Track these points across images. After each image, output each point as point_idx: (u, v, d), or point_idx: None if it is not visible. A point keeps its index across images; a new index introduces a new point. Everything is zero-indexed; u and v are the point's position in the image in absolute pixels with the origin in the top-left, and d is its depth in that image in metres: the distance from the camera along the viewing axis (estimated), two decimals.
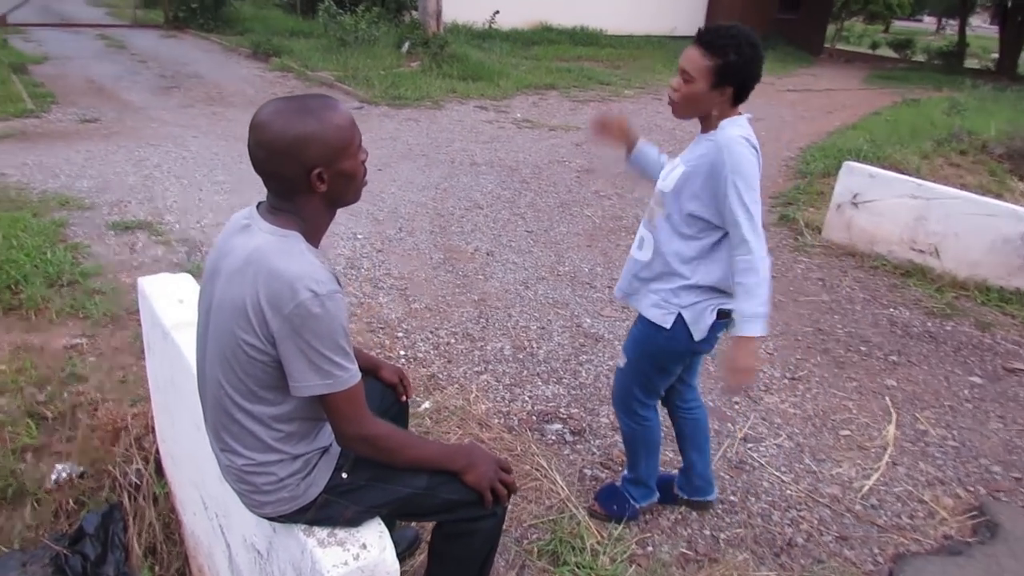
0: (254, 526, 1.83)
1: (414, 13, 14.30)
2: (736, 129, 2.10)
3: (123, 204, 5.27)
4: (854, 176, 5.65)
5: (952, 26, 40.75)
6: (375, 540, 1.65)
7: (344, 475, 1.68)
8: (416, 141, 7.98)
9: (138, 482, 2.62)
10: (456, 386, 3.41)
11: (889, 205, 5.46)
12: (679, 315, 2.22)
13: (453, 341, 3.82)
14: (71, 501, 2.55)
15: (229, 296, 1.51)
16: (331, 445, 1.70)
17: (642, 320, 2.33)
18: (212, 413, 1.64)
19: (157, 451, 2.71)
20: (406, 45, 12.83)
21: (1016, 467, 3.23)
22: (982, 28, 40.94)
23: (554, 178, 7.03)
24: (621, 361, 2.46)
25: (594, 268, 4.95)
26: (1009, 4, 20.63)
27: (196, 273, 3.24)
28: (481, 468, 1.78)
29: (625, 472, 2.69)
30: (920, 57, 26.94)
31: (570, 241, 5.40)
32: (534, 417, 3.24)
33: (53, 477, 2.64)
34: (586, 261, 5.05)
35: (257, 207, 1.60)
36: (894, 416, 3.53)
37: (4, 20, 13.65)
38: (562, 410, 3.31)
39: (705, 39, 2.06)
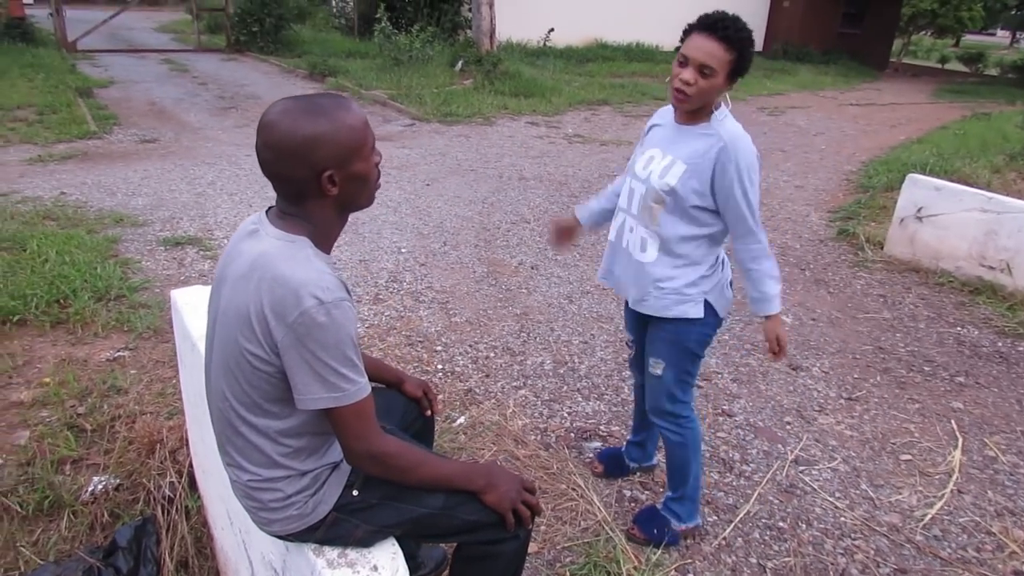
0: (270, 544, 1.76)
1: (468, 32, 14.43)
2: (733, 123, 2.10)
3: (175, 220, 5.37)
4: (919, 189, 5.39)
5: None
6: (387, 562, 1.56)
7: (355, 492, 1.60)
8: (465, 156, 7.98)
9: (172, 495, 2.60)
10: (493, 401, 3.32)
11: (956, 219, 5.18)
12: (706, 301, 2.23)
13: (492, 355, 3.74)
14: (106, 513, 2.54)
15: (234, 304, 1.45)
16: (341, 461, 1.62)
17: (668, 321, 2.27)
18: (218, 426, 1.58)
19: (191, 464, 2.69)
20: (459, 63, 12.92)
21: None
22: None
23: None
24: (657, 369, 2.34)
25: None
26: None
27: None
28: (502, 488, 1.67)
29: (669, 493, 2.55)
30: (992, 71, 25.96)
31: None
32: (572, 434, 3.13)
33: (89, 489, 2.64)
34: None
35: (267, 212, 1.54)
36: (960, 441, 3.30)
37: (74, 46, 14.28)
38: (602, 427, 3.19)
39: (722, 32, 1.98)
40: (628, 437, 2.90)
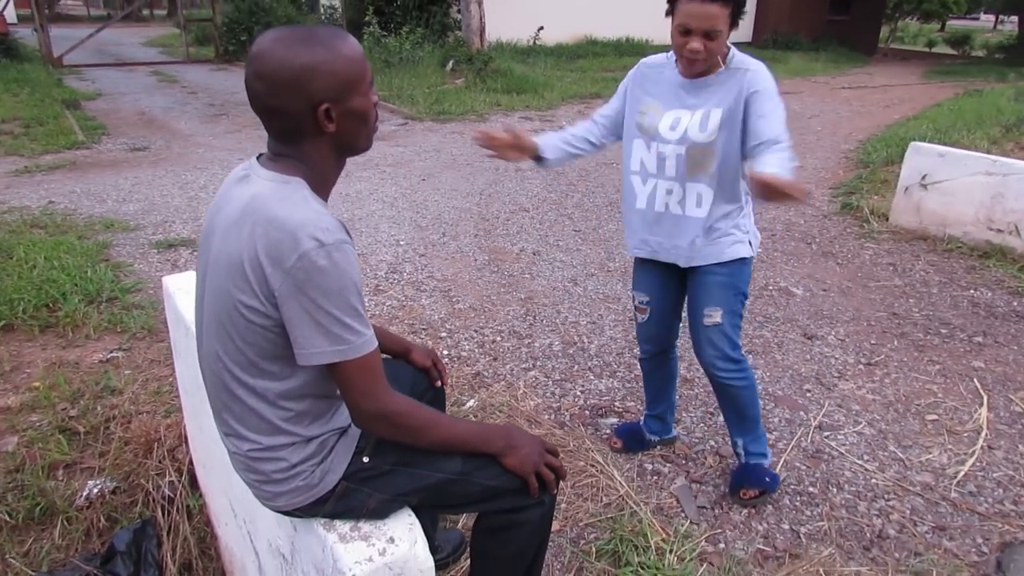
0: (276, 527, 1.64)
1: (458, 32, 14.37)
2: (744, 55, 2.11)
3: (168, 224, 5.27)
4: (922, 156, 5.30)
5: (1010, 22, 39.32)
6: (404, 533, 1.44)
7: (365, 459, 1.49)
8: (460, 152, 7.88)
9: (172, 495, 2.48)
10: (503, 383, 3.22)
11: (962, 184, 5.09)
12: (748, 240, 2.27)
13: (499, 339, 3.64)
14: (103, 518, 2.41)
15: (225, 253, 1.33)
16: (349, 426, 1.50)
17: (722, 265, 2.25)
18: (212, 392, 1.46)
19: (191, 462, 2.58)
20: (450, 63, 12.85)
21: None
22: None
23: (601, 179, 6.83)
24: (716, 316, 2.28)
25: None
26: None
27: None
28: (524, 450, 1.55)
29: (744, 439, 2.48)
30: (979, 53, 25.96)
31: (620, 238, 5.17)
32: (587, 412, 3.02)
33: (84, 493, 2.52)
34: None
35: (257, 157, 1.42)
36: (985, 398, 3.20)
37: (60, 61, 14.17)
38: (617, 404, 3.09)
39: None
40: (645, 411, 2.79)
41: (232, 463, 1.52)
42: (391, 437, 1.44)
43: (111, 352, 3.38)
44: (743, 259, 2.26)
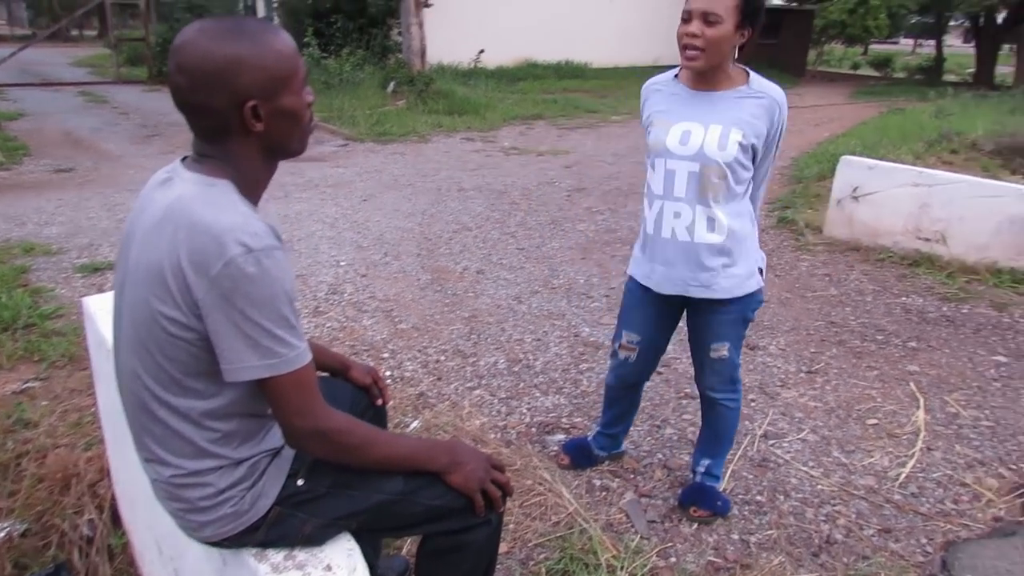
0: (204, 561, 1.53)
1: (399, 55, 14.32)
2: (772, 83, 2.04)
3: (94, 247, 5.05)
4: (853, 169, 5.46)
5: (927, 46, 41.37)
6: (343, 560, 1.37)
7: (300, 482, 1.40)
8: (402, 172, 7.81)
9: (91, 534, 2.31)
10: (447, 403, 3.15)
11: (890, 195, 5.25)
12: (759, 269, 2.20)
13: (443, 358, 3.57)
14: (10, 565, 2.22)
15: (144, 260, 1.24)
16: (283, 447, 1.41)
17: (735, 300, 2.15)
18: (131, 414, 1.35)
19: (113, 497, 2.42)
20: (391, 85, 12.78)
21: None
22: (955, 47, 41.45)
23: (544, 198, 6.84)
24: (723, 351, 2.22)
25: (590, 279, 4.71)
26: (981, 22, 20.91)
27: None
28: (469, 466, 1.48)
29: (710, 460, 2.46)
30: (901, 74, 27.12)
31: (563, 255, 5.17)
32: (534, 429, 2.97)
33: None
34: (581, 273, 4.82)
35: (182, 160, 1.34)
36: (922, 401, 3.27)
37: None
38: (564, 420, 3.05)
39: None
40: (598, 428, 2.72)
41: (154, 492, 1.42)
42: (328, 457, 1.36)
43: (26, 382, 3.19)
44: (753, 293, 2.17)
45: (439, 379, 3.35)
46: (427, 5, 14.29)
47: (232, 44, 1.21)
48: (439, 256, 5.10)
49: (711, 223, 2.05)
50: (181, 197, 1.24)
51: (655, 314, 2.29)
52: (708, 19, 1.86)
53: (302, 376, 1.26)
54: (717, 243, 2.06)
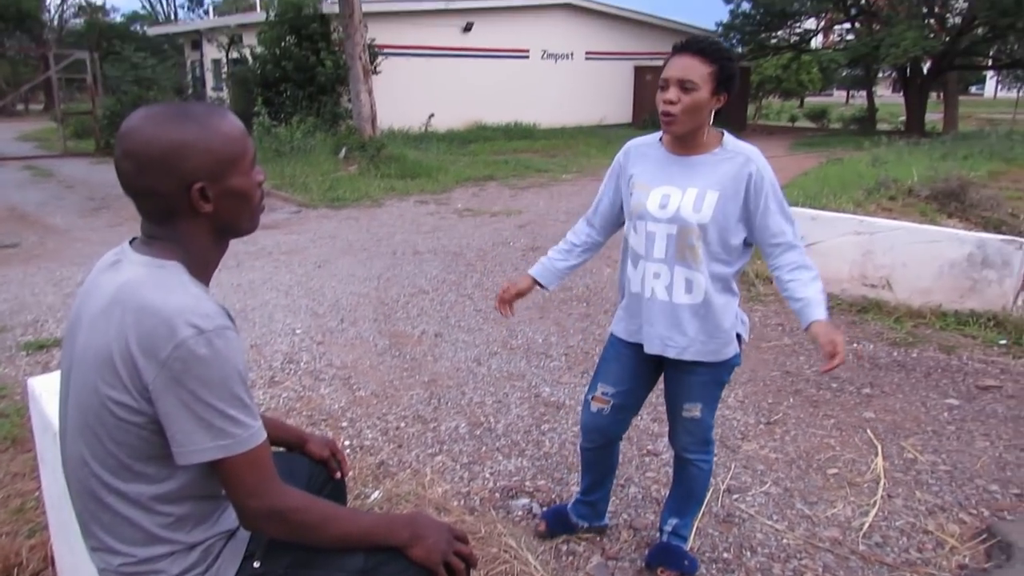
0: None
1: (350, 122, 14.46)
2: (746, 143, 2.09)
3: (40, 324, 4.91)
4: (797, 220, 5.61)
5: (859, 96, 43.40)
6: None
7: (256, 564, 1.36)
8: (356, 237, 7.81)
9: None
10: (409, 471, 3.09)
11: (834, 244, 5.42)
12: (738, 335, 2.20)
13: (403, 425, 3.51)
14: None
15: (92, 346, 1.22)
16: (238, 528, 1.38)
17: (711, 366, 2.18)
18: (79, 501, 1.31)
19: None
20: (343, 151, 12.86)
21: (1013, 483, 3.03)
22: (885, 96, 43.57)
23: (500, 259, 6.89)
24: (695, 411, 2.24)
25: (548, 338, 4.72)
26: (908, 73, 22.06)
27: None
28: (430, 539, 1.45)
29: (679, 520, 2.45)
30: (836, 125, 28.30)
31: (521, 315, 5.18)
32: (497, 494, 2.93)
33: None
34: (539, 333, 4.83)
35: (130, 242, 1.33)
36: (879, 448, 3.31)
37: None
38: (528, 483, 3.01)
39: (697, 47, 1.95)
40: (578, 496, 2.63)
41: None
42: (285, 537, 1.32)
43: None
44: (730, 358, 2.19)
45: (400, 446, 3.30)
46: (375, 72, 14.55)
47: (178, 128, 1.22)
48: (396, 320, 5.08)
49: (688, 284, 2.09)
50: (129, 281, 1.23)
51: (633, 368, 2.29)
52: (685, 86, 1.93)
53: (256, 456, 1.24)
54: (693, 304, 2.09)
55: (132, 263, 1.26)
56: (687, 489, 2.42)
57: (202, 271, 1.32)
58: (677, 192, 2.06)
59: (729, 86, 1.98)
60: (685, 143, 2.07)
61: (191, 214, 1.26)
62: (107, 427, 1.21)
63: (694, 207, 2.02)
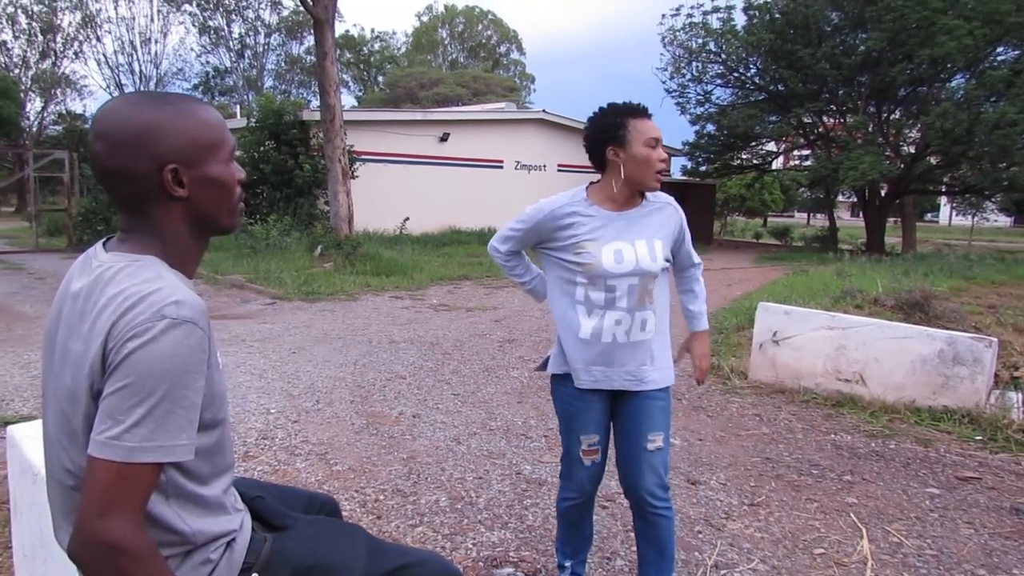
0: None
1: (326, 221, 14.67)
2: (659, 192, 2.34)
3: (5, 403, 4.76)
4: (771, 315, 5.76)
5: (820, 218, 45.40)
6: None
7: None
8: (331, 327, 7.78)
9: None
10: (388, 540, 2.98)
11: (808, 339, 5.53)
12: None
13: (382, 497, 3.41)
14: None
15: (71, 347, 1.16)
16: (236, 533, 1.31)
17: (663, 390, 2.32)
18: (56, 497, 1.26)
19: None
20: (319, 248, 12.98)
21: (1001, 569, 3.00)
22: (844, 220, 45.65)
23: (476, 349, 6.89)
24: (659, 441, 2.29)
25: (527, 421, 4.68)
26: (866, 195, 23.19)
27: None
28: None
29: None
30: (799, 243, 29.37)
31: (499, 400, 5.15)
32: (481, 563, 2.83)
33: None
34: (518, 416, 4.79)
35: (102, 243, 1.28)
36: (864, 531, 3.28)
37: None
38: (512, 554, 2.92)
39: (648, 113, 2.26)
40: (571, 561, 2.55)
41: None
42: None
43: None
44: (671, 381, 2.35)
45: (379, 518, 3.19)
46: (353, 177, 14.91)
47: (152, 109, 1.19)
48: (373, 402, 5.01)
49: (643, 324, 2.24)
50: (100, 277, 1.18)
51: (602, 412, 2.34)
52: (665, 149, 2.24)
53: (134, 473, 1.06)
54: (648, 340, 2.25)
55: (102, 261, 1.21)
56: (659, 548, 2.33)
57: (183, 265, 1.26)
58: (628, 247, 2.20)
59: None
60: (627, 200, 2.26)
61: (165, 199, 1.21)
62: (87, 427, 1.13)
63: (651, 257, 2.21)
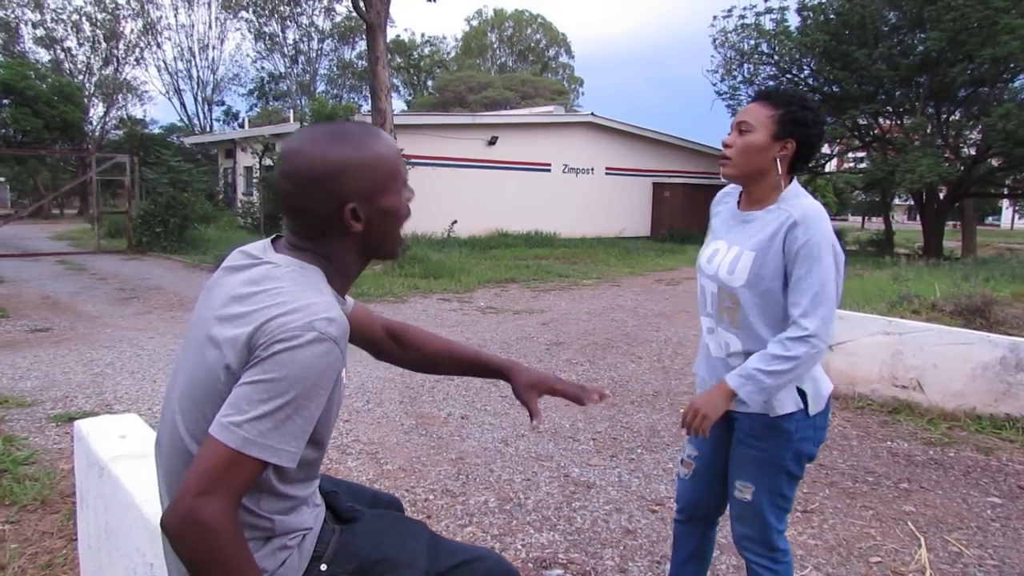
0: None
1: None
2: (808, 199, 1.89)
3: (69, 399, 4.94)
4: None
5: (873, 222, 44.28)
6: None
7: (323, 567, 1.34)
8: None
9: None
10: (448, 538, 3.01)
11: (863, 344, 5.41)
12: (799, 390, 1.91)
13: (432, 497, 3.45)
14: None
15: (224, 334, 1.20)
16: (309, 529, 1.36)
17: (756, 422, 1.93)
18: (164, 471, 1.30)
19: None
20: None
21: None
22: (901, 223, 44.45)
23: (524, 351, 6.91)
24: (747, 494, 1.96)
25: (575, 424, 4.68)
26: (924, 198, 22.54)
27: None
28: None
29: None
30: (854, 247, 28.69)
31: (546, 402, 5.15)
32: (530, 564, 2.84)
33: None
34: (566, 418, 4.79)
35: (272, 241, 1.35)
36: (922, 540, 3.20)
37: None
38: (561, 555, 2.92)
39: (765, 94, 1.93)
40: None
41: (166, 557, 1.34)
42: (186, 556, 1.13)
43: None
44: (785, 416, 1.90)
45: (428, 517, 3.23)
46: None
47: (335, 150, 1.26)
48: (422, 403, 5.06)
49: (726, 346, 1.99)
50: (268, 274, 1.25)
51: (712, 428, 1.95)
52: (741, 128, 1.90)
53: (240, 462, 1.12)
54: (725, 365, 1.98)
55: (271, 262, 1.28)
56: None
57: (341, 283, 1.35)
58: (724, 248, 1.98)
59: (796, 132, 1.87)
60: (750, 197, 1.98)
61: (341, 233, 1.29)
62: (211, 396, 1.19)
63: (728, 268, 1.92)
